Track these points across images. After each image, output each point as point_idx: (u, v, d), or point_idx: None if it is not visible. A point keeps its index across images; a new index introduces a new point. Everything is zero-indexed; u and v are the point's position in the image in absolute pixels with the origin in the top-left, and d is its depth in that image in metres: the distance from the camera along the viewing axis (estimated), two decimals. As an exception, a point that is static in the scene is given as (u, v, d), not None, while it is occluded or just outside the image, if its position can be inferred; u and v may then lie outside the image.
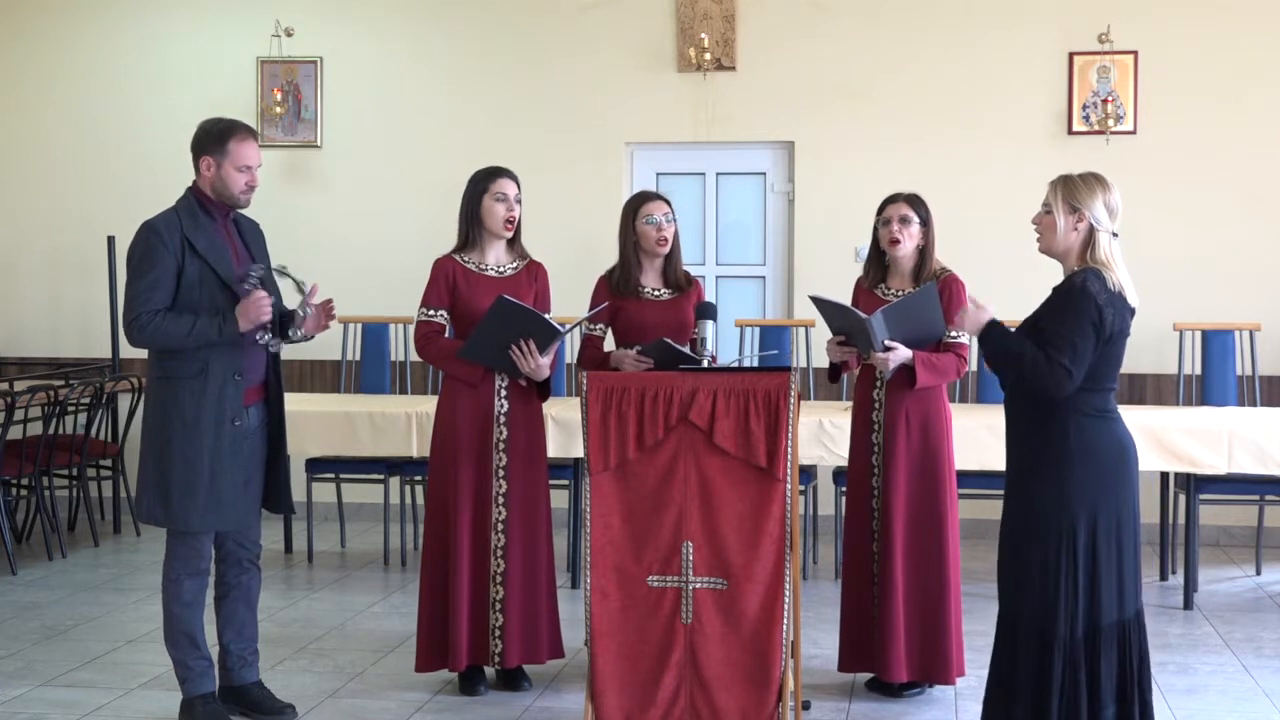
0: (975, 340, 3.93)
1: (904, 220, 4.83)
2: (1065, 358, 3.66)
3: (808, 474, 6.60)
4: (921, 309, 4.56)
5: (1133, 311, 3.78)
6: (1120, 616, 3.76)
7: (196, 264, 4.36)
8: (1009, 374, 3.80)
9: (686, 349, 4.74)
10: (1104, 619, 3.74)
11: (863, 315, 4.52)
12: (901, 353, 4.59)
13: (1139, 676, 3.79)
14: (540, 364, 4.76)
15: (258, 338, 4.41)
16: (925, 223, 4.87)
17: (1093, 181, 3.79)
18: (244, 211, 4.57)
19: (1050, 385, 3.68)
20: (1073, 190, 3.78)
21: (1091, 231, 3.75)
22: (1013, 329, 3.84)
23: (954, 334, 4.74)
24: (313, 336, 4.56)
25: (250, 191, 4.45)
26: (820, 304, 4.67)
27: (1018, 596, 3.80)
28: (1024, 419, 3.83)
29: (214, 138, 4.40)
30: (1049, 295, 3.81)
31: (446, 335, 4.96)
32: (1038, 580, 3.74)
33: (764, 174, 7.99)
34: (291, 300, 4.56)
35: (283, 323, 4.51)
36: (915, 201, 4.88)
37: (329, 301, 4.53)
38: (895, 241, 4.83)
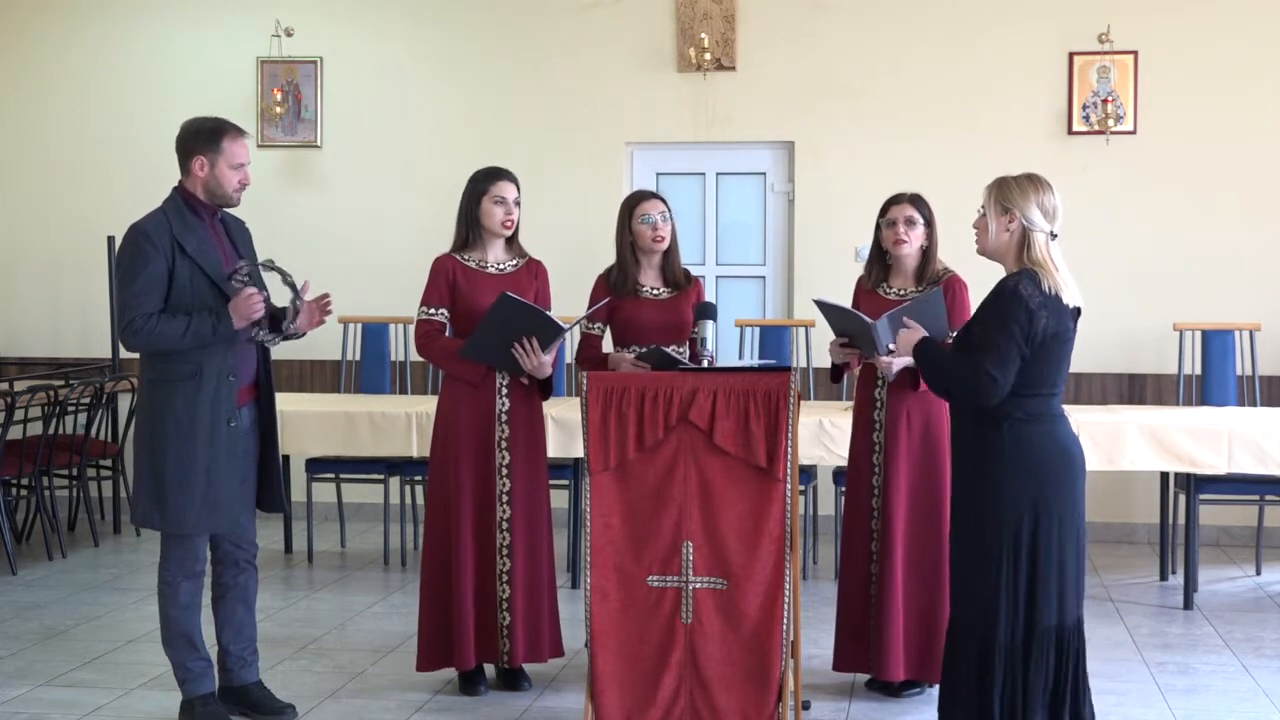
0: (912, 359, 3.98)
1: (909, 221, 4.83)
2: (988, 363, 3.64)
3: (808, 474, 6.59)
4: (926, 313, 4.56)
5: (1075, 313, 3.75)
6: (1059, 621, 3.73)
7: (187, 265, 4.34)
8: (940, 388, 3.84)
9: (683, 356, 4.73)
10: (1040, 623, 3.71)
11: (867, 319, 4.51)
12: (905, 356, 4.58)
13: (1073, 687, 3.75)
14: (543, 361, 4.76)
15: (252, 334, 4.40)
16: (929, 223, 4.88)
17: (1025, 182, 3.77)
18: (232, 211, 4.55)
19: (974, 392, 3.67)
20: (1005, 191, 3.77)
21: (1025, 232, 3.74)
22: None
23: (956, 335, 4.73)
24: (305, 334, 4.54)
25: (242, 190, 4.44)
26: (824, 307, 4.66)
27: (961, 603, 3.80)
28: (962, 425, 3.83)
29: (206, 136, 4.38)
30: (984, 298, 3.80)
31: (447, 334, 4.96)
32: (979, 585, 3.73)
33: (764, 174, 7.99)
34: (280, 293, 4.51)
35: (275, 318, 4.49)
36: (919, 202, 4.88)
37: (324, 297, 4.51)
38: (900, 242, 4.83)
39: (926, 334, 3.94)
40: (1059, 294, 3.69)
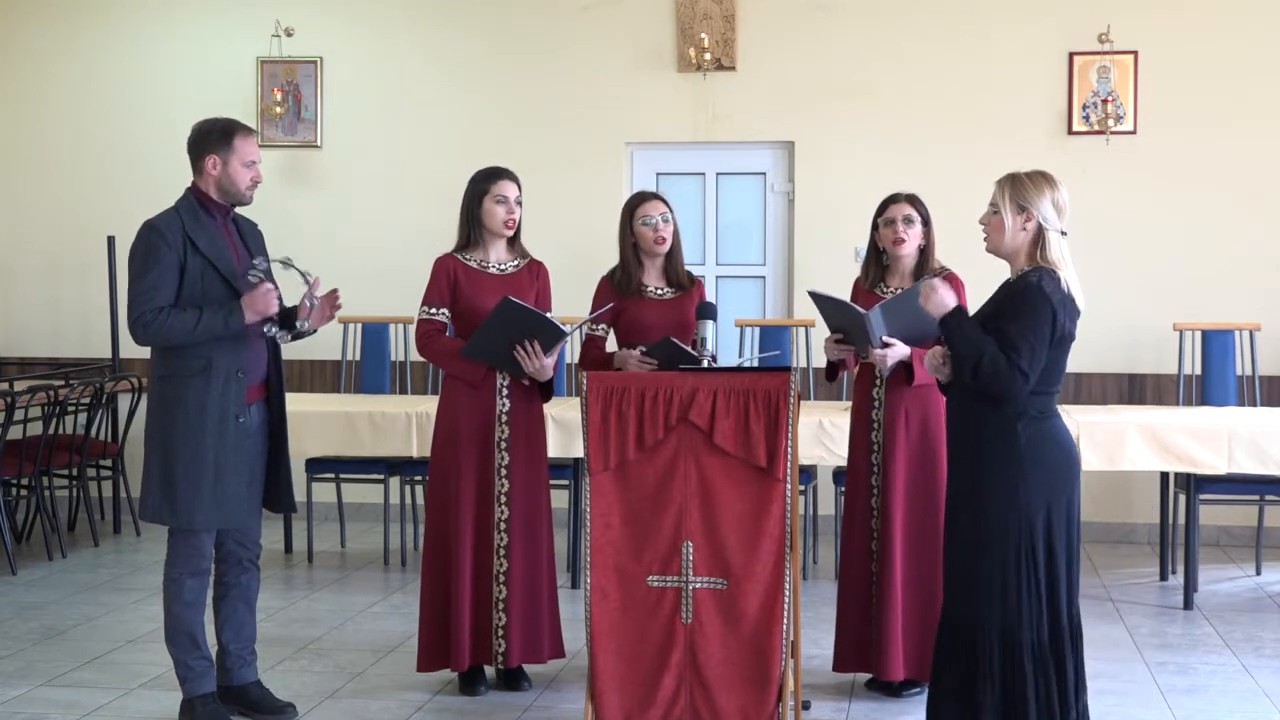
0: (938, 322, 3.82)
1: (908, 220, 4.84)
2: (1023, 361, 3.64)
3: (808, 474, 6.59)
4: (918, 306, 4.56)
5: (1079, 314, 3.76)
6: (1071, 616, 3.78)
7: (198, 261, 4.38)
8: (964, 367, 3.69)
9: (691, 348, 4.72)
10: (1062, 620, 3.75)
11: (861, 310, 4.52)
12: (899, 349, 4.59)
13: (1080, 678, 3.81)
14: (544, 364, 4.76)
15: (264, 329, 4.43)
16: (926, 222, 4.89)
17: (1040, 180, 3.76)
18: (242, 213, 4.59)
19: (1005, 387, 3.65)
20: (1020, 189, 3.74)
21: (1040, 231, 3.73)
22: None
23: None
24: (316, 330, 4.56)
25: (255, 187, 4.50)
26: (818, 299, 4.67)
27: (973, 603, 3.77)
28: (969, 422, 3.80)
29: (218, 135, 4.44)
30: (998, 293, 3.77)
31: (447, 334, 4.96)
32: (997, 585, 3.72)
33: (764, 174, 7.99)
34: (295, 292, 4.54)
35: (286, 316, 4.52)
36: (916, 201, 4.90)
37: (334, 292, 4.53)
38: (900, 241, 4.84)
39: (959, 303, 3.83)
40: (1071, 294, 3.71)
